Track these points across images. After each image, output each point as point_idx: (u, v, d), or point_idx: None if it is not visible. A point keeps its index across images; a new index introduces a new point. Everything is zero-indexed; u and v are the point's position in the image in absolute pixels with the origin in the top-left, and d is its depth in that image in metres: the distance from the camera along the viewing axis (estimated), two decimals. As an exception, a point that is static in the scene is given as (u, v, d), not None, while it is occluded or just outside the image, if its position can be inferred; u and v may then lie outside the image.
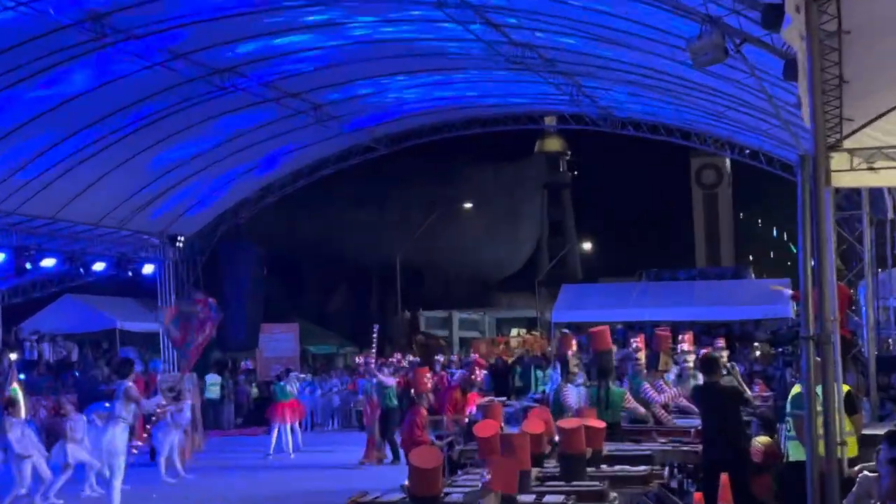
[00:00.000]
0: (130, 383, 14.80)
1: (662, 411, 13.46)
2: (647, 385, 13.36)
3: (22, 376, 24.20)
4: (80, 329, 31.41)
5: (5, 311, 29.17)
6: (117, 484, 14.03)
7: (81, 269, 26.54)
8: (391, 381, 21.01)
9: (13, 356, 25.21)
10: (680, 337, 16.66)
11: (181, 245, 28.27)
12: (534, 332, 41.24)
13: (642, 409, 13.06)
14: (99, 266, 26.60)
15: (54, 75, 19.31)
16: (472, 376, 20.73)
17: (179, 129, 23.13)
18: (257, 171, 27.57)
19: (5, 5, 16.00)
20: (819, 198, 6.17)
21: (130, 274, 27.63)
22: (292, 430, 22.02)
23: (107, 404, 21.70)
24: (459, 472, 10.20)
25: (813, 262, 6.19)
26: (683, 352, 15.67)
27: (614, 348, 13.93)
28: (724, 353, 13.71)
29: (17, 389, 16.14)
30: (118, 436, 14.20)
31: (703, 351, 16.59)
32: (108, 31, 17.93)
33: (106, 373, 28.11)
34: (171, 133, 23.18)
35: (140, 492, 15.73)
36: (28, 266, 24.58)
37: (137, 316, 30.99)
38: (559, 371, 15.48)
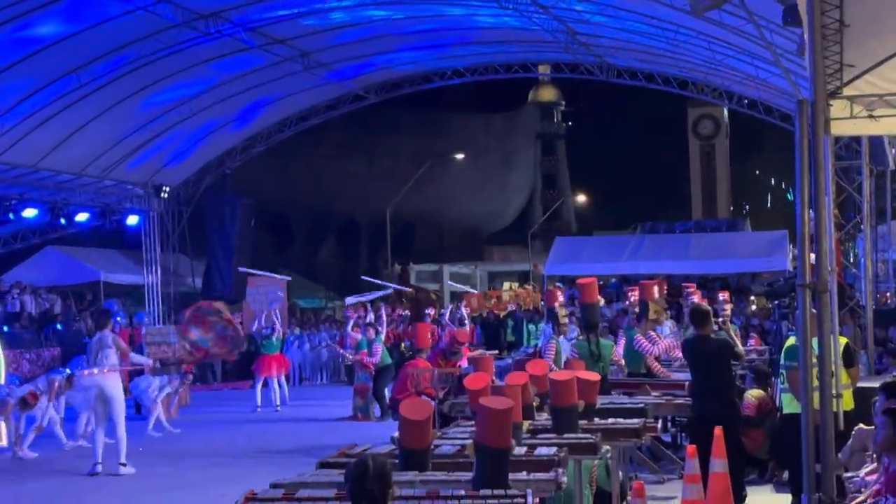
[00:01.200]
0: (110, 333, 14.87)
1: (656, 363, 13.49)
2: (639, 336, 13.37)
3: (5, 328, 24.31)
4: (63, 281, 31.34)
5: None
6: (122, 430, 14.13)
7: (63, 220, 26.50)
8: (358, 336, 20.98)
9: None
10: (685, 291, 16.78)
11: (166, 196, 28.46)
12: (526, 286, 41.69)
13: (652, 353, 13.14)
14: (82, 217, 26.72)
15: (33, 19, 19.11)
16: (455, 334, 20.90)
17: (163, 76, 23.15)
18: (243, 119, 27.65)
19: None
20: (818, 146, 6.17)
21: (114, 225, 27.82)
22: (279, 383, 22.16)
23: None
24: (450, 425, 10.16)
25: (811, 212, 6.17)
26: (691, 298, 15.70)
27: (601, 300, 13.87)
28: (728, 307, 13.65)
29: None
30: (114, 382, 14.30)
31: (690, 305, 16.85)
32: None
33: (90, 325, 27.86)
34: (155, 80, 23.19)
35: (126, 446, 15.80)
36: (11, 216, 24.55)
37: (122, 268, 31.12)
38: (551, 325, 15.49)
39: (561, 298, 16.48)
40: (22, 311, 28.16)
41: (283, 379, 22.55)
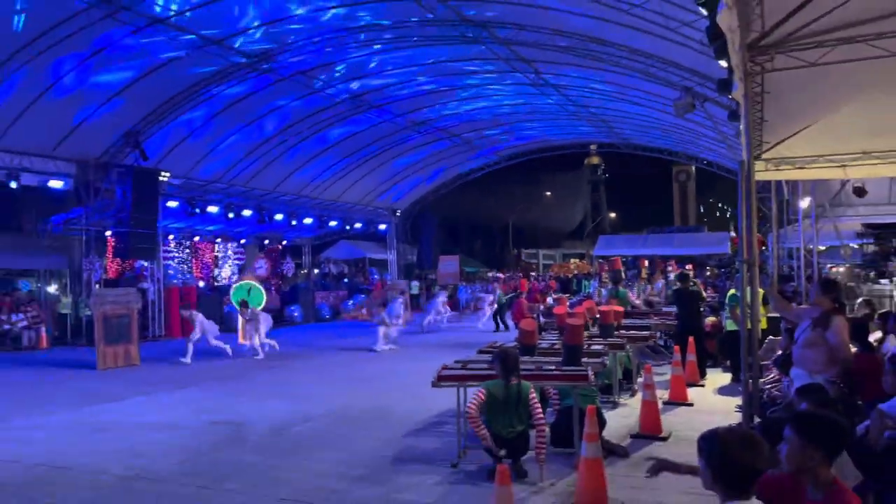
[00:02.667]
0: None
1: (638, 303, 14.68)
2: (633, 292, 14.32)
3: (323, 280, 29.57)
4: (347, 257, 35.25)
5: (314, 248, 33.54)
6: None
7: (348, 227, 29.92)
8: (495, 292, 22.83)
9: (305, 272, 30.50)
10: (665, 264, 18.64)
11: (398, 214, 31.80)
12: (583, 261, 45.08)
13: (638, 302, 14.17)
14: (358, 225, 29.99)
15: (329, 130, 22.66)
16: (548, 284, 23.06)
17: (397, 154, 26.40)
18: (434, 175, 30.70)
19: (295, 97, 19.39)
20: (750, 185, 6.22)
21: (373, 229, 31.32)
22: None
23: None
24: (543, 333, 10.49)
25: (746, 221, 6.17)
26: (669, 270, 17.70)
27: (623, 269, 14.49)
28: (691, 272, 15.20)
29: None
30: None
31: (679, 270, 17.96)
32: (361, 105, 21.21)
33: (360, 279, 32.87)
34: (394, 156, 26.45)
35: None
36: (332, 224, 28.62)
37: (377, 251, 34.04)
38: (597, 281, 17.78)
39: (606, 268, 18.90)
40: (329, 272, 32.75)
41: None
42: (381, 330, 16.69)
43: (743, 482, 2.47)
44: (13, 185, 17.88)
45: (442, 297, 23.92)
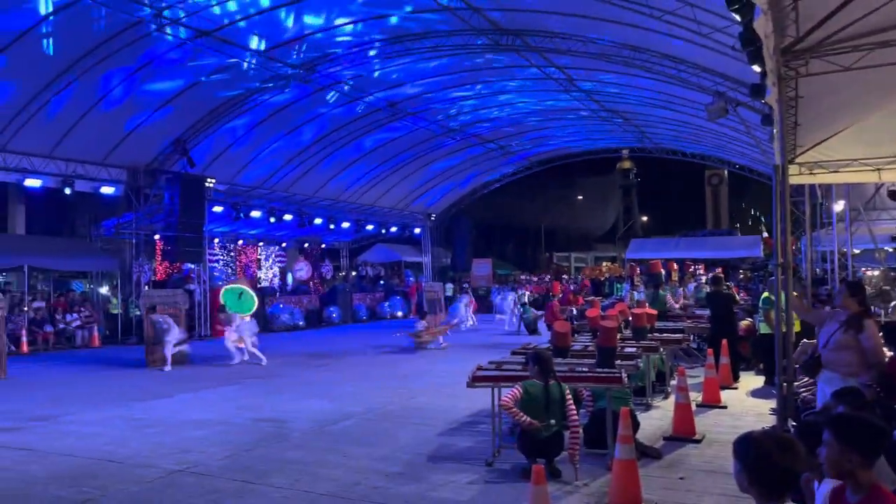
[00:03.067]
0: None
1: (678, 306, 13.90)
2: (668, 295, 13.75)
3: (360, 282, 29.62)
4: (383, 260, 35.27)
5: (351, 251, 33.85)
6: None
7: (384, 230, 30.20)
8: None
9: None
10: (693, 268, 18.09)
11: (433, 218, 31.86)
12: (615, 264, 44.36)
13: (676, 305, 13.64)
14: (393, 228, 30.28)
15: (363, 138, 22.88)
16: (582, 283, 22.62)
17: (432, 160, 26.54)
18: (466, 181, 30.80)
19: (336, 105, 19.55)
20: (784, 189, 6.11)
21: (408, 232, 31.58)
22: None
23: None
24: (576, 335, 10.20)
25: (781, 224, 6.07)
26: (699, 273, 17.18)
27: (662, 272, 14.02)
28: (721, 275, 14.77)
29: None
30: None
31: (711, 274, 17.46)
32: (398, 112, 21.34)
33: (396, 281, 32.86)
34: (429, 161, 26.61)
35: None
36: (368, 228, 28.87)
37: (412, 254, 34.00)
38: (629, 284, 17.41)
39: (637, 271, 18.53)
40: (365, 275, 32.79)
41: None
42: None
43: (780, 485, 2.43)
44: (67, 191, 18.38)
45: (465, 300, 23.54)
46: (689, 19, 11.85)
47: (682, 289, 15.73)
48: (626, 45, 14.85)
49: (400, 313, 28.81)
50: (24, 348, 17.25)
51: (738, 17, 8.24)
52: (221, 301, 15.62)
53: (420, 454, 6.99)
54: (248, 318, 14.86)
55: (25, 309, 18.45)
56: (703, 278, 17.49)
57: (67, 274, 22.94)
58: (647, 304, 11.59)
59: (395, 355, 15.95)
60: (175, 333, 14.22)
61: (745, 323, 12.40)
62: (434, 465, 6.57)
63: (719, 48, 12.33)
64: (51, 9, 13.33)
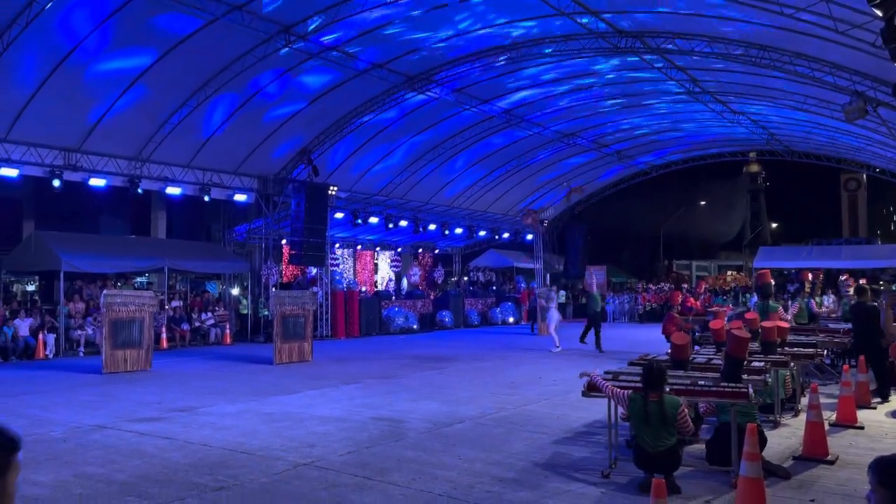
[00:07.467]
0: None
1: (789, 318, 12.53)
2: (813, 302, 12.80)
3: (470, 287, 29.87)
4: (496, 265, 35.32)
5: (464, 257, 34.32)
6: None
7: (496, 236, 30.44)
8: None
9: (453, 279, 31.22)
10: (842, 277, 16.82)
11: (545, 224, 31.32)
12: (740, 273, 41.99)
13: (789, 317, 12.27)
14: (505, 234, 30.44)
15: (488, 139, 23.22)
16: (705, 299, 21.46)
17: (543, 167, 26.60)
18: (590, 185, 30.60)
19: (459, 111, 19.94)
20: None
21: (520, 238, 31.50)
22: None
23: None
24: (698, 347, 9.95)
25: None
26: (844, 282, 16.00)
27: (772, 282, 12.72)
28: (867, 286, 13.42)
29: None
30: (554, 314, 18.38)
31: (857, 283, 15.95)
32: (512, 119, 21.46)
33: (508, 287, 32.88)
34: (539, 169, 26.68)
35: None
36: (480, 234, 29.38)
37: (524, 260, 33.94)
38: (756, 295, 16.01)
39: (771, 280, 17.08)
40: (477, 280, 33.13)
41: None
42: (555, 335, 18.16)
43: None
44: (205, 198, 19.67)
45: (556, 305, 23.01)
46: (823, 15, 11.17)
47: (813, 299, 14.58)
48: (753, 43, 14.20)
49: (511, 319, 28.78)
50: (164, 344, 18.51)
51: (879, 13, 7.70)
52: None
53: (534, 461, 6.94)
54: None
55: (166, 307, 19.85)
56: (851, 289, 16.11)
57: (202, 275, 24.29)
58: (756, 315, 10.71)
59: (506, 361, 15.94)
60: None
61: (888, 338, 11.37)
62: (549, 474, 6.52)
63: (858, 45, 11.60)
64: (190, 30, 14.32)
